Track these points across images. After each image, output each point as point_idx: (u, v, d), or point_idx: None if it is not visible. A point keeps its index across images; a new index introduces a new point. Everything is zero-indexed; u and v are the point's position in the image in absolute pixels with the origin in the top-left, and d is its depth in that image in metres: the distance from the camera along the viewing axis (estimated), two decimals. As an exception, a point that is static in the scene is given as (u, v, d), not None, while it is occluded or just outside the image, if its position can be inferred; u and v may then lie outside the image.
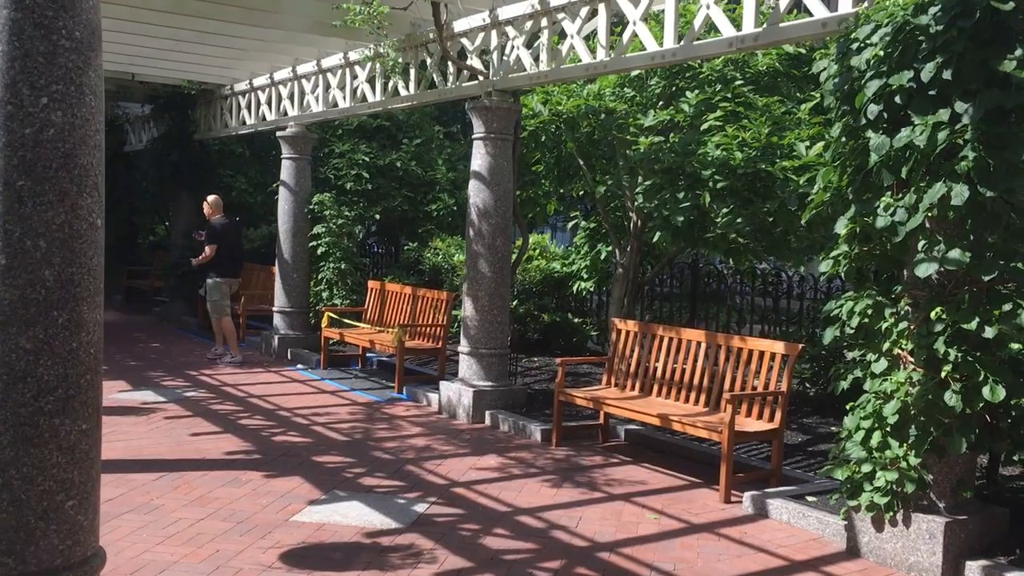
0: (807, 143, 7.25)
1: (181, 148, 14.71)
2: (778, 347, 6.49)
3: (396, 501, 5.86)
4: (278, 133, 11.80)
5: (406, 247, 13.50)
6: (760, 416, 6.46)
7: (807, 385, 8.54)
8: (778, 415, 6.32)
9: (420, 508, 5.73)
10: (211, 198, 11.51)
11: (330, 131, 13.93)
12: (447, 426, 8.11)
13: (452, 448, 7.32)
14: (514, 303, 10.42)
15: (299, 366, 11.09)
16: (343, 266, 11.55)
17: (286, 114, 11.82)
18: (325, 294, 11.62)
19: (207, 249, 11.11)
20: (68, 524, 2.71)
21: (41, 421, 2.64)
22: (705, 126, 7.80)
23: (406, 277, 12.64)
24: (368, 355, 11.04)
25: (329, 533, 5.21)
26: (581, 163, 9.36)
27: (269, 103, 12.29)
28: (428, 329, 10.01)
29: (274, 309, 11.93)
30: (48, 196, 2.64)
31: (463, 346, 8.51)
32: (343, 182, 12.96)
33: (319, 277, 11.74)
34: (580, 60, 7.52)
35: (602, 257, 10.47)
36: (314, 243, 11.72)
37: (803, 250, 7.92)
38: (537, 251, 11.52)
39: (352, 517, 5.50)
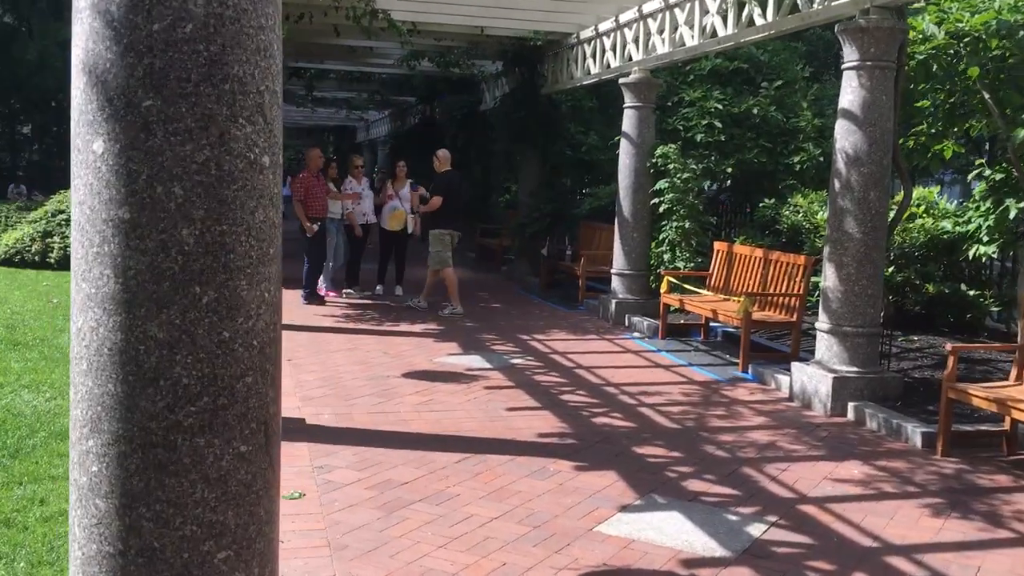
0: None
1: (529, 104, 14.37)
2: None
3: (726, 517, 4.72)
4: (621, 80, 10.90)
5: (761, 204, 12.02)
6: None
7: None
8: None
9: (756, 530, 4.55)
10: (440, 152, 11.70)
11: (680, 78, 12.78)
12: (798, 418, 6.76)
13: (802, 448, 5.99)
14: (889, 270, 8.66)
15: (635, 334, 10.20)
16: (687, 225, 10.42)
17: (630, 59, 10.86)
18: (666, 256, 10.59)
19: (434, 199, 11.20)
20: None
21: (179, 441, 1.88)
22: None
23: (760, 238, 11.20)
24: (711, 325, 9.86)
25: (637, 555, 4.22)
26: (986, 96, 7.40)
27: (613, 49, 11.41)
28: (781, 299, 8.61)
29: (612, 271, 11.13)
30: (185, 121, 1.85)
31: (822, 322, 7.06)
32: (692, 133, 11.77)
33: (660, 237, 10.72)
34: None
35: (1011, 216, 8.34)
36: (656, 200, 10.71)
37: None
38: (921, 207, 9.55)
39: (669, 535, 4.46)
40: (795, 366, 7.23)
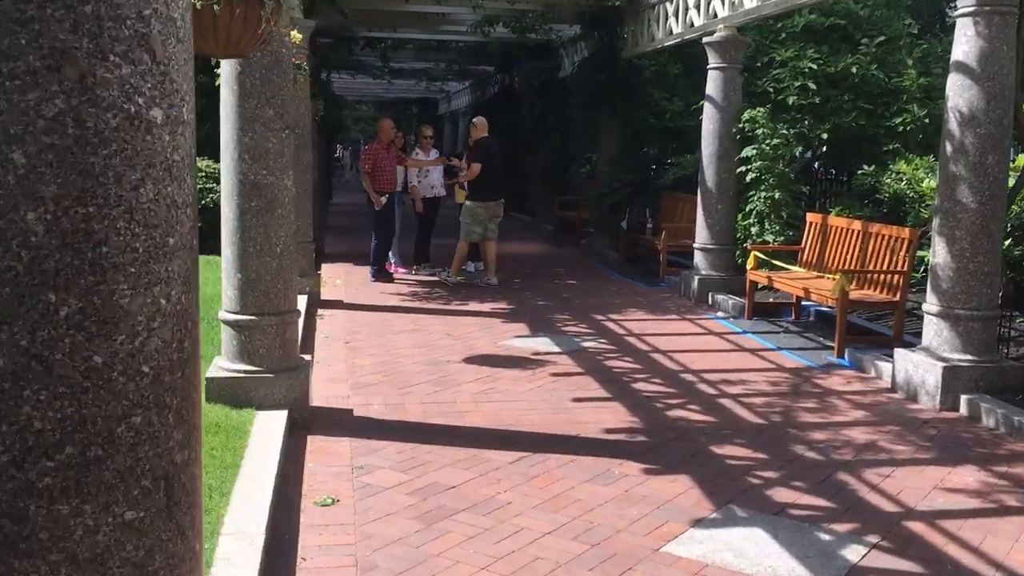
0: None
1: (608, 69, 13.62)
2: None
3: (818, 536, 4.06)
4: (705, 40, 10.08)
5: (860, 172, 11.05)
6: None
7: None
8: None
9: (853, 554, 3.88)
10: (476, 119, 11.43)
11: (770, 36, 11.85)
12: (902, 412, 5.99)
13: (908, 449, 5.25)
14: (1007, 243, 7.73)
15: (719, 314, 9.46)
16: (776, 195, 9.59)
17: (715, 15, 10.03)
18: (754, 229, 9.78)
19: (472, 167, 10.85)
20: None
21: (33, 508, 1.36)
22: None
23: (858, 208, 10.28)
24: (803, 305, 9.06)
25: (710, 584, 3.61)
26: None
27: (697, 6, 10.58)
28: (882, 276, 7.76)
29: (695, 246, 10.38)
30: (26, 59, 1.31)
31: (930, 303, 6.25)
32: (784, 96, 10.87)
33: (747, 209, 9.92)
34: None
35: None
36: (742, 168, 9.90)
37: None
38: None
39: (749, 558, 3.82)
40: (899, 352, 6.44)
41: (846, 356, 7.35)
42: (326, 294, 10.13)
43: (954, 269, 6.06)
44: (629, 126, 13.95)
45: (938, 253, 6.18)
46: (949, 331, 6.10)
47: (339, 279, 11.28)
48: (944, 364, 5.99)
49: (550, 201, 17.68)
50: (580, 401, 6.12)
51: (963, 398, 5.93)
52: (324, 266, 12.37)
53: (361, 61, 22.25)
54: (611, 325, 8.77)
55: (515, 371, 6.89)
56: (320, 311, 9.03)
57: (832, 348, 7.58)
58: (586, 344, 7.90)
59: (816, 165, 13.44)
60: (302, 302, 8.50)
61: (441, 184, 12.17)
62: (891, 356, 6.60)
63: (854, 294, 7.64)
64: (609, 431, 5.49)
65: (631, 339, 8.16)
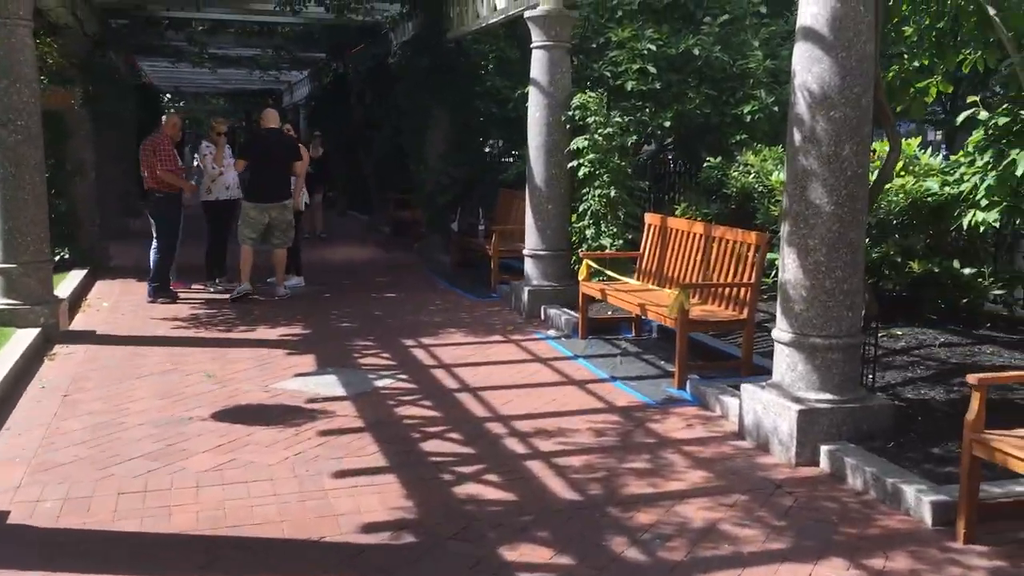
0: None
1: (432, 52, 12.18)
2: None
3: None
4: (527, 14, 8.76)
5: (706, 164, 9.97)
6: None
7: None
8: None
9: None
10: (266, 111, 10.28)
11: (605, 14, 10.64)
12: (751, 470, 4.77)
13: (758, 534, 3.99)
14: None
15: (551, 332, 8.15)
16: (612, 193, 8.35)
17: (537, -13, 8.72)
18: (589, 232, 8.52)
19: (237, 162, 9.86)
20: None
21: None
22: None
23: (705, 204, 9.19)
24: (644, 319, 7.85)
25: None
26: (993, 13, 5.42)
27: (521, -22, 9.25)
28: (727, 290, 6.59)
29: (524, 252, 9.05)
30: None
31: (781, 329, 5.06)
32: (622, 80, 9.65)
33: (581, 209, 8.65)
34: None
35: (1018, 171, 6.38)
36: (575, 162, 8.62)
37: None
38: (899, 163, 7.58)
39: None
40: (746, 389, 5.22)
41: (688, 388, 6.14)
42: (81, 322, 8.32)
43: (808, 288, 4.88)
44: (460, 115, 12.54)
45: (787, 267, 4.98)
46: (804, 364, 4.91)
47: (108, 301, 9.43)
48: (799, 407, 4.80)
49: (386, 200, 16.15)
50: (344, 476, 4.64)
51: (824, 449, 4.75)
52: (99, 284, 10.47)
53: (178, 48, 20.13)
54: (419, 353, 7.32)
55: (274, 430, 5.34)
56: (56, 349, 7.24)
57: (673, 374, 6.36)
58: (381, 383, 6.42)
59: (664, 157, 12.37)
60: (26, 339, 6.73)
61: (237, 185, 10.45)
62: (739, 388, 5.39)
63: (696, 311, 6.44)
64: (368, 528, 4.02)
65: (439, 372, 6.73)
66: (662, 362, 6.98)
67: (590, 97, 8.60)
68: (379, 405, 5.88)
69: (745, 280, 6.38)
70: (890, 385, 5.65)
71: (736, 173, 8.94)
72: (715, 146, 10.28)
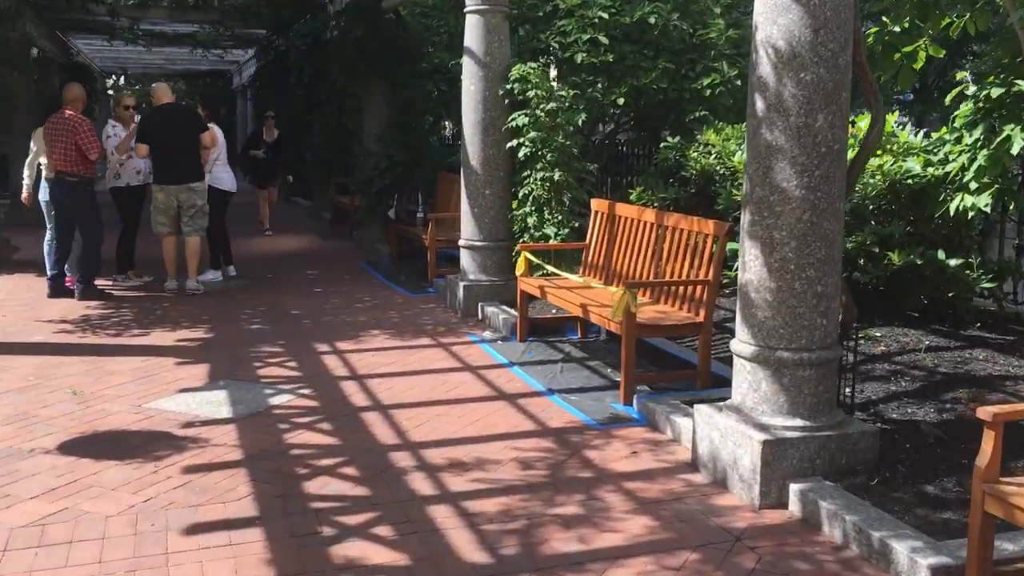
0: None
1: (367, 23, 11.15)
2: None
3: None
4: (460, -24, 7.79)
5: (663, 144, 9.07)
6: None
7: None
8: None
9: None
10: (155, 84, 9.29)
11: (554, -20, 9.69)
12: (705, 515, 3.87)
13: (711, 611, 3.11)
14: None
15: (487, 333, 7.23)
16: (556, 176, 7.42)
17: (473, -54, 7.75)
18: (531, 220, 7.59)
19: (139, 147, 8.70)
20: None
21: None
22: None
23: (663, 188, 8.29)
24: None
25: None
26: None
27: (455, -64, 8.28)
28: (682, 289, 5.70)
29: (460, 242, 8.11)
30: None
31: (741, 340, 4.17)
32: (571, 52, 8.71)
33: (522, 194, 7.72)
34: None
35: (1013, 149, 5.53)
36: (515, 142, 7.68)
37: None
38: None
39: None
40: (700, 412, 4.33)
41: (635, 404, 5.24)
42: (-50, 327, 7.28)
43: (773, 290, 3.99)
44: (400, 93, 11.55)
45: (749, 265, 4.09)
46: (769, 383, 4.03)
47: (-5, 300, 8.39)
48: (763, 436, 3.92)
49: (325, 186, 15.13)
50: (197, 532, 3.68)
51: (793, 488, 3.88)
52: (-5, 279, 9.41)
53: (109, 24, 18.91)
54: (331, 361, 6.37)
55: (129, 466, 4.37)
56: (-95, 360, 6.21)
57: (619, 385, 5.46)
58: (278, 399, 5.47)
59: (621, 136, 11.47)
60: None
61: (148, 170, 9.40)
62: (691, 411, 4.51)
63: (646, 313, 5.54)
64: (205, 613, 3.09)
65: (349, 385, 5.78)
66: (609, 370, 6.09)
67: (531, 68, 7.66)
68: (267, 430, 4.93)
69: (702, 276, 5.49)
70: (871, 402, 4.79)
71: (695, 154, 8.07)
72: (674, 124, 9.41)
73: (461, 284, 7.86)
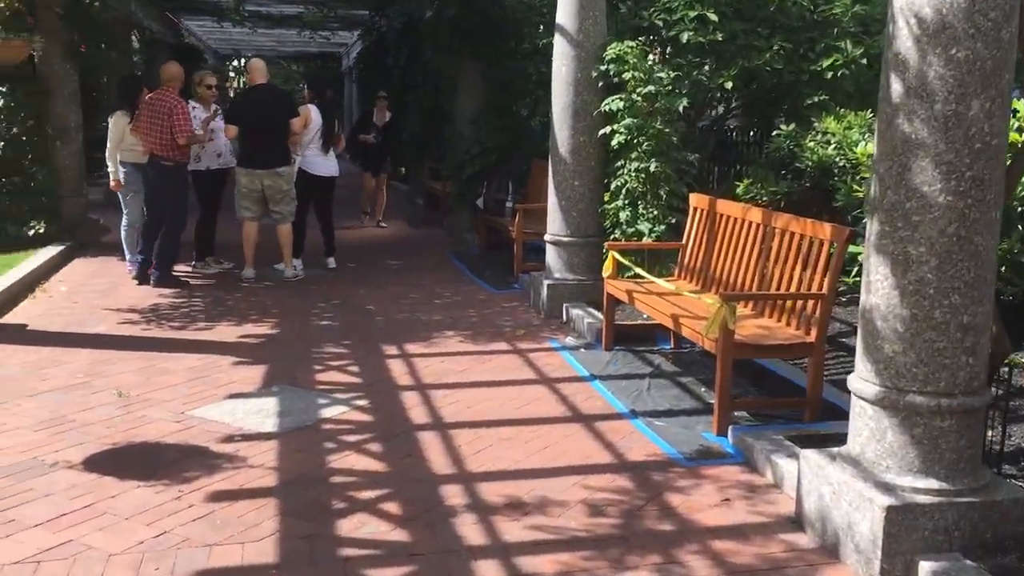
0: None
1: (462, 1, 10.57)
2: None
3: None
4: (554, -54, 7.11)
5: (776, 133, 8.19)
6: None
7: None
8: None
9: None
10: (251, 62, 8.86)
11: (659, -48, 8.90)
12: (811, 593, 3.16)
13: None
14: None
15: (569, 339, 6.58)
16: (652, 167, 6.69)
17: (570, -87, 7.05)
18: (624, 215, 6.88)
19: (228, 128, 8.44)
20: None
21: None
22: None
23: (773, 182, 7.45)
24: (685, 329, 6.20)
25: None
26: None
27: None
28: (790, 303, 4.92)
29: (546, 237, 7.47)
30: None
31: (864, 378, 3.40)
32: (677, 31, 7.94)
33: (615, 186, 7.01)
34: None
35: None
36: (608, 128, 6.98)
37: None
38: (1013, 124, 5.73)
39: None
40: (809, 460, 3.59)
41: (730, 436, 4.52)
42: (20, 313, 7.11)
43: (906, 319, 3.22)
44: (495, 76, 10.95)
45: (876, 287, 3.32)
46: (897, 433, 3.27)
47: (68, 285, 8.18)
48: (888, 500, 3.16)
49: (420, 171, 14.70)
50: (204, 580, 3.19)
51: (924, 567, 3.12)
52: (75, 263, 9.28)
53: (218, 4, 19.02)
54: (397, 367, 5.83)
55: (152, 489, 3.92)
56: (-39, 350, 5.98)
57: (713, 413, 4.74)
58: (330, 411, 4.96)
59: (729, 125, 10.60)
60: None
61: (230, 151, 9.08)
62: (796, 453, 3.77)
63: (747, 328, 4.80)
64: None
65: (411, 397, 5.23)
66: (703, 388, 5.37)
67: (628, 47, 6.93)
68: (311, 449, 4.42)
69: (815, 289, 4.71)
70: (1022, 452, 3.94)
71: (812, 144, 7.18)
72: (792, 110, 8.51)
73: (545, 283, 7.23)
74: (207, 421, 4.79)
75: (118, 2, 13.53)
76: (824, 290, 4.62)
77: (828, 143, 7.06)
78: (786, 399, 4.97)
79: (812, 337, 4.64)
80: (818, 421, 4.56)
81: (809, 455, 3.59)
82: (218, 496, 3.87)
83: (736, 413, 4.73)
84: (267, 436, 4.58)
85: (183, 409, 4.96)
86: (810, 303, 4.71)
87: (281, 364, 5.84)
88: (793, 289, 4.88)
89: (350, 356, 6.07)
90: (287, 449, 4.41)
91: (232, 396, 5.20)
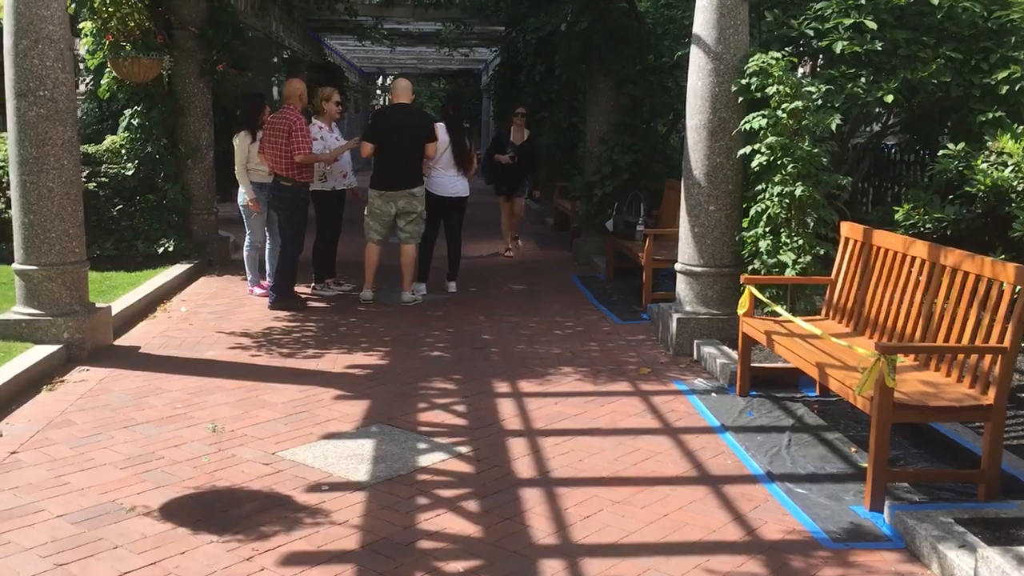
0: None
1: (596, 13, 10.09)
2: None
3: None
4: (692, -50, 6.53)
5: (942, 153, 7.30)
6: None
7: None
8: None
9: None
10: (397, 81, 8.55)
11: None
12: None
13: None
14: None
15: (698, 381, 5.95)
16: (798, 191, 6.00)
17: (710, -86, 6.45)
18: (764, 244, 6.20)
19: (364, 146, 8.14)
20: None
21: None
22: None
23: (938, 208, 6.60)
24: (832, 376, 5.47)
25: None
26: None
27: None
28: (963, 356, 4.16)
29: (676, 266, 6.85)
30: None
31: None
32: (829, 40, 7.20)
33: (754, 212, 6.34)
34: None
35: None
36: (748, 148, 6.32)
37: None
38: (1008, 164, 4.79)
39: None
40: (990, 563, 2.89)
41: (886, 514, 3.82)
42: (137, 334, 7.04)
43: None
44: (627, 90, 10.41)
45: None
46: (1113, 544, 2.54)
47: (188, 305, 8.13)
48: (1101, 633, 2.45)
49: (549, 189, 14.29)
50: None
51: None
52: (201, 282, 9.29)
53: (360, 23, 19.25)
54: (508, 407, 5.37)
55: (224, 546, 3.57)
56: (71, 374, 5.89)
57: (865, 484, 4.04)
58: (428, 459, 4.53)
59: (886, 143, 9.70)
60: (29, 359, 5.43)
61: (352, 171, 8.89)
62: (975, 547, 3.07)
63: (907, 384, 4.08)
64: None
65: (517, 445, 4.75)
66: (853, 448, 4.66)
67: (773, 59, 6.26)
68: (400, 505, 3.99)
69: (993, 341, 3.95)
70: None
71: (985, 165, 6.31)
72: (960, 128, 7.60)
73: (675, 316, 6.61)
74: (297, 464, 4.44)
75: (258, 21, 13.75)
76: (1006, 343, 3.86)
77: (1004, 164, 6.21)
78: (955, 471, 4.21)
79: (990, 398, 3.89)
80: (996, 502, 3.80)
81: (992, 557, 2.89)
82: (291, 560, 3.48)
83: (891, 497, 4.02)
84: (356, 486, 4.18)
85: (275, 449, 4.64)
86: (987, 358, 3.95)
87: (384, 400, 5.47)
88: (966, 339, 4.13)
89: (458, 393, 5.65)
90: (374, 504, 4.00)
91: (327, 436, 4.85)
